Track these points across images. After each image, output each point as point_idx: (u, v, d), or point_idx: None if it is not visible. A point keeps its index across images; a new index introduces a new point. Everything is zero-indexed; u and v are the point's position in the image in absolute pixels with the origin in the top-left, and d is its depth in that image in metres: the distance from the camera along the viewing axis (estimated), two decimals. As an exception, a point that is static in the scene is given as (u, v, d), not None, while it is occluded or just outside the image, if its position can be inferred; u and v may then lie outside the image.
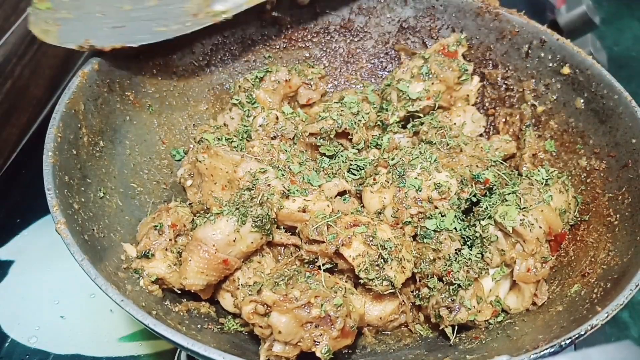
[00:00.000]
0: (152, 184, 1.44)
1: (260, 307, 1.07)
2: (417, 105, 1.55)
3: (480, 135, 1.62)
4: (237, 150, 1.34)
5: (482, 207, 1.28)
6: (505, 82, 1.62)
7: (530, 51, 1.56)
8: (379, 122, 1.53)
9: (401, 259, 1.18)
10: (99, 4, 1.39)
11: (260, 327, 1.09)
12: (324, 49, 1.76)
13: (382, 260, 1.16)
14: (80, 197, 1.19)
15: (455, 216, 1.28)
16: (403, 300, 1.27)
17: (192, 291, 1.21)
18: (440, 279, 1.23)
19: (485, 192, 1.34)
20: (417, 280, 1.27)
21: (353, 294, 1.17)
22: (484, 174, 1.33)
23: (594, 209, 1.35)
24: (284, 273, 1.14)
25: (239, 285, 1.22)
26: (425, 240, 1.26)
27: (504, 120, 1.63)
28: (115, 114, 1.39)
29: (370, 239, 1.17)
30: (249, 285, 1.16)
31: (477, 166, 1.35)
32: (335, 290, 1.09)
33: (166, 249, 1.25)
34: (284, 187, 1.26)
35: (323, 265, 1.20)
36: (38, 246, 1.64)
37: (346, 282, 1.22)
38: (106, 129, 1.35)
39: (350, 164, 1.39)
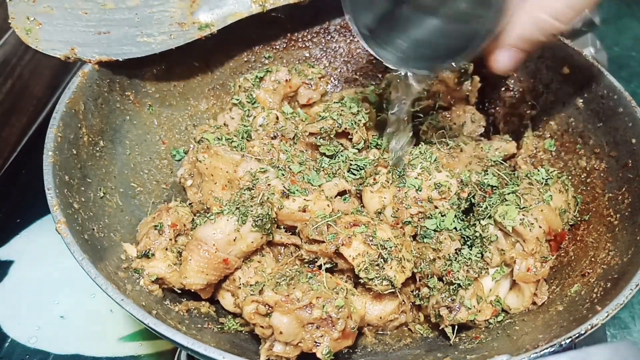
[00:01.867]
0: (152, 184, 1.44)
1: (262, 307, 1.07)
2: (417, 105, 1.55)
3: (480, 135, 1.62)
4: (237, 150, 1.35)
5: (482, 206, 1.28)
6: (506, 82, 1.62)
7: (530, 51, 1.55)
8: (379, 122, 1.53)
9: (401, 258, 1.18)
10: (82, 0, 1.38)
11: (262, 327, 1.09)
12: (324, 49, 1.76)
13: (382, 260, 1.16)
14: (80, 196, 1.19)
15: (455, 216, 1.28)
16: (403, 300, 1.27)
17: (192, 290, 1.21)
18: (440, 279, 1.23)
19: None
20: (417, 280, 1.27)
21: (354, 294, 1.17)
22: (486, 179, 1.32)
23: (594, 209, 1.35)
24: (286, 273, 1.14)
25: (239, 284, 1.22)
26: (425, 240, 1.26)
27: (504, 120, 1.62)
28: (116, 113, 1.39)
29: (370, 238, 1.17)
30: (250, 285, 1.16)
31: (477, 166, 1.35)
32: (336, 292, 1.09)
33: (166, 249, 1.25)
34: (284, 186, 1.26)
35: (324, 265, 1.21)
36: (38, 246, 1.64)
37: (346, 282, 1.22)
38: (106, 128, 1.35)
39: (350, 164, 1.39)
